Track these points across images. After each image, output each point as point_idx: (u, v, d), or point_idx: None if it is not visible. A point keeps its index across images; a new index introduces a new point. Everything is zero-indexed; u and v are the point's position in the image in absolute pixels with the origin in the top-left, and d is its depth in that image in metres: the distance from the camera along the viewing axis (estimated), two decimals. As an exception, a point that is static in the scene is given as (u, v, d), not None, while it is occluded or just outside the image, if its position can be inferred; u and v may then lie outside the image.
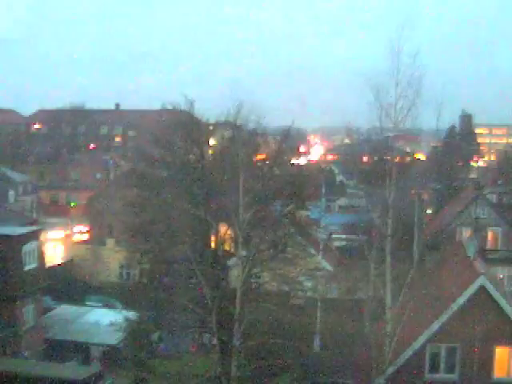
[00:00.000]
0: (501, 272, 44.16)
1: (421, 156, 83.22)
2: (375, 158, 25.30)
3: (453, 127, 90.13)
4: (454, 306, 22.37)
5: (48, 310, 40.73)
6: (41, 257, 36.89)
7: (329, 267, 43.00)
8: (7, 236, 34.41)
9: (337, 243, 52.43)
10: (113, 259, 51.20)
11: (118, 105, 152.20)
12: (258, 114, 32.17)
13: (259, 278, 32.04)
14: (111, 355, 36.12)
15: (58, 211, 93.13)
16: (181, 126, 35.69)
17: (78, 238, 67.02)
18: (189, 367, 30.21)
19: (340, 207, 78.56)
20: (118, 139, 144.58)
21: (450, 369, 22.98)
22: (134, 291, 36.14)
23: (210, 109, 35.43)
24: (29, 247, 34.94)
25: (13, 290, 33.47)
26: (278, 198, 35.58)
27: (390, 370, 21.80)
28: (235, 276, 26.20)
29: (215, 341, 26.70)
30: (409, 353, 22.51)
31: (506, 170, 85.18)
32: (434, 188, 60.60)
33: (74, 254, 56.83)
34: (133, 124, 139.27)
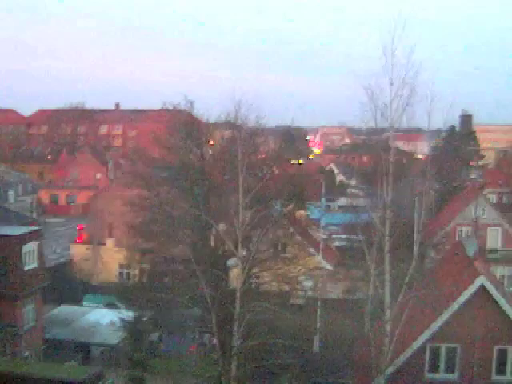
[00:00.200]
0: (501, 272, 44.17)
1: (422, 156, 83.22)
2: (374, 158, 25.31)
3: (453, 127, 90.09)
4: (454, 306, 22.35)
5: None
6: (41, 257, 36.90)
7: (329, 267, 43.03)
8: (7, 236, 34.43)
9: (337, 243, 52.44)
10: (113, 259, 51.20)
11: (117, 105, 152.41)
12: (259, 115, 32.26)
13: (259, 278, 32.08)
14: (111, 355, 36.16)
15: (57, 211, 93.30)
16: (181, 126, 35.73)
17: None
18: (189, 367, 30.25)
19: (340, 207, 78.53)
20: (117, 139, 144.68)
21: (450, 369, 22.96)
22: (133, 291, 36.12)
23: (210, 108, 35.47)
24: (29, 247, 34.95)
25: (13, 289, 33.49)
26: (278, 198, 35.63)
27: (390, 369, 21.78)
28: (235, 276, 26.20)
29: (215, 341, 26.69)
30: (409, 353, 22.49)
31: (505, 170, 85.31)
32: (434, 188, 60.59)
33: (74, 254, 56.90)
34: (133, 124, 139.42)
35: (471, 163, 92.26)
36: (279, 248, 35.95)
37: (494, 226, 51.02)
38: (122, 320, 33.72)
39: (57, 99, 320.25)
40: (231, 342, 23.66)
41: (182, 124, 35.90)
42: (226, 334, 24.68)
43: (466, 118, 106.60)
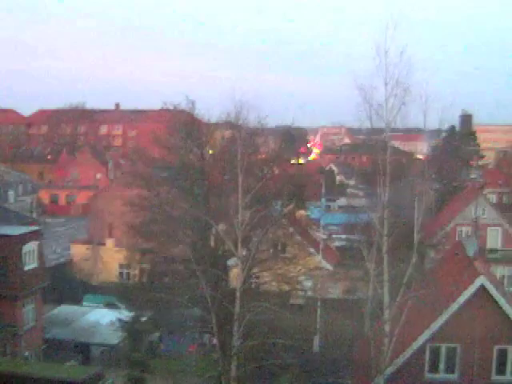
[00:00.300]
0: (501, 272, 44.17)
1: (421, 156, 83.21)
2: (373, 158, 25.32)
3: (453, 127, 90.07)
4: (454, 306, 22.35)
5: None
6: (41, 257, 36.90)
7: (329, 267, 43.02)
8: (7, 236, 34.42)
9: (337, 243, 52.45)
10: (113, 259, 51.21)
11: (117, 105, 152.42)
12: (258, 114, 32.26)
13: (259, 278, 32.10)
14: (111, 355, 36.16)
15: (57, 211, 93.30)
16: (181, 126, 35.73)
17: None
18: (189, 367, 30.24)
19: (340, 207, 78.57)
20: (117, 139, 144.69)
21: (450, 369, 22.96)
22: (133, 291, 36.12)
23: (210, 108, 35.49)
24: (29, 247, 34.95)
25: (13, 289, 33.48)
26: (278, 198, 35.64)
27: (390, 369, 21.78)
28: (235, 276, 26.20)
29: (215, 341, 26.69)
30: (409, 353, 22.49)
31: (505, 170, 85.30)
32: (433, 188, 60.61)
33: (74, 254, 56.91)
34: (133, 124, 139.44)
35: (471, 163, 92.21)
36: (279, 248, 35.98)
37: (494, 226, 51.01)
38: (122, 320, 33.73)
39: (57, 99, 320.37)
40: (231, 342, 23.66)
41: (182, 124, 35.91)
42: (226, 334, 24.69)
43: (466, 118, 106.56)
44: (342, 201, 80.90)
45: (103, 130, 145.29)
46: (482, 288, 22.42)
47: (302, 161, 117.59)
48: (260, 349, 24.70)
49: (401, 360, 22.27)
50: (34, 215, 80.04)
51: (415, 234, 21.11)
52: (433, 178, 60.06)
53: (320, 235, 47.10)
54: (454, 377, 22.98)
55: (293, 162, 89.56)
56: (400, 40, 19.06)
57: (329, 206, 76.47)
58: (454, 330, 22.32)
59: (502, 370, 22.85)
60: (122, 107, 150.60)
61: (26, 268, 34.65)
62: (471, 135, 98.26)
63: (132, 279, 47.90)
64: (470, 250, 25.18)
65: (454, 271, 25.97)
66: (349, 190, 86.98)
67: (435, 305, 22.34)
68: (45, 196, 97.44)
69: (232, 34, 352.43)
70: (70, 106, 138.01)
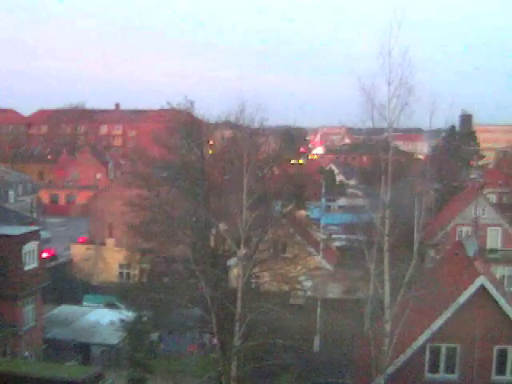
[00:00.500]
0: (501, 272, 44.17)
1: (421, 156, 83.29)
2: (373, 158, 25.33)
3: (453, 127, 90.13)
4: (454, 306, 22.36)
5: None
6: (41, 257, 36.90)
7: (329, 267, 43.02)
8: (7, 236, 34.43)
9: (337, 243, 52.46)
10: (113, 259, 51.23)
11: (117, 105, 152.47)
12: (260, 115, 32.23)
13: (259, 277, 32.10)
14: (111, 355, 36.17)
15: (57, 211, 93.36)
16: (181, 126, 35.71)
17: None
18: (189, 367, 30.26)
19: (340, 207, 78.61)
20: (117, 139, 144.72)
21: (450, 369, 22.96)
22: (133, 291, 36.12)
23: (210, 108, 35.48)
24: (29, 247, 34.95)
25: (13, 289, 33.49)
26: (278, 198, 35.64)
27: (390, 369, 21.78)
28: (235, 276, 26.20)
29: (215, 341, 26.70)
30: (409, 353, 22.49)
31: (505, 170, 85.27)
32: (434, 188, 60.60)
33: (74, 254, 56.95)
34: (133, 124, 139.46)
35: (471, 163, 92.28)
36: (279, 248, 35.95)
37: (494, 226, 51.01)
38: (122, 320, 33.72)
39: (57, 99, 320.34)
40: (231, 342, 23.66)
41: (182, 124, 35.88)
42: (226, 334, 24.70)
43: (466, 118, 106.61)
44: (342, 201, 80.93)
45: (103, 130, 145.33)
46: (482, 288, 22.42)
47: (301, 161, 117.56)
48: (260, 349, 24.69)
49: (401, 360, 22.27)
50: (34, 215, 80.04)
51: (415, 234, 21.11)
52: (433, 177, 60.04)
53: (320, 235, 47.12)
54: (454, 377, 22.99)
55: (293, 162, 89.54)
56: (403, 40, 19.07)
57: (329, 206, 76.49)
58: (454, 330, 22.32)
59: (502, 370, 22.86)
60: (122, 107, 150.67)
61: (26, 268, 34.66)
62: (471, 135, 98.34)
63: (132, 279, 47.92)
64: (470, 250, 25.19)
65: (454, 271, 25.96)
66: (349, 190, 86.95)
67: (435, 305, 22.35)
68: (45, 196, 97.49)
69: (232, 34, 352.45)
70: (69, 106, 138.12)
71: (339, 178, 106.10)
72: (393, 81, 19.76)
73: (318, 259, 42.04)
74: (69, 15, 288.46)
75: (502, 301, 22.50)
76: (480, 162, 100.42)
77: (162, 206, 33.01)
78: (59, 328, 38.64)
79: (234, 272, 27.38)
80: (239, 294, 23.34)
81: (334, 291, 39.40)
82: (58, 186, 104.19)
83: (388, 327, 21.11)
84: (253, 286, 30.15)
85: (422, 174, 25.57)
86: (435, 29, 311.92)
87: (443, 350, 22.84)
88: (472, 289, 22.46)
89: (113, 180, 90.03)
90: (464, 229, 48.67)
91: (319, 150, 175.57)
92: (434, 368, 22.95)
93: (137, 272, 43.67)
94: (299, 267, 33.43)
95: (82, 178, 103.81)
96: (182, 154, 35.85)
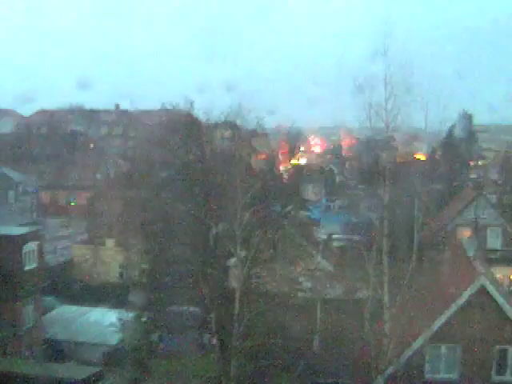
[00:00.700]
0: (501, 272, 44.15)
1: (421, 156, 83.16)
2: (373, 158, 25.36)
3: (453, 127, 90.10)
4: (454, 306, 22.36)
5: (51, 310, 40.79)
6: (41, 257, 36.90)
7: (329, 267, 42.97)
8: (7, 236, 34.44)
9: (337, 243, 52.40)
10: (113, 259, 51.19)
11: (117, 105, 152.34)
12: (257, 114, 32.24)
13: (259, 278, 32.08)
14: (111, 355, 36.14)
15: (57, 211, 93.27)
16: (181, 126, 35.71)
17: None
18: (189, 367, 30.24)
19: (340, 207, 78.58)
20: (117, 139, 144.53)
21: (450, 369, 22.98)
22: (133, 291, 36.12)
23: (210, 108, 35.44)
24: (29, 247, 34.96)
25: (13, 289, 33.49)
26: (278, 198, 35.64)
27: (390, 369, 21.80)
28: (235, 276, 26.21)
29: (215, 341, 26.70)
30: (409, 353, 22.50)
31: (505, 170, 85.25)
32: (433, 188, 60.57)
33: (74, 254, 56.90)
34: (133, 124, 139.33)
35: (471, 163, 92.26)
36: (279, 248, 35.93)
37: (494, 226, 51.04)
38: (122, 320, 33.71)
39: (57, 99, 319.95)
40: (231, 342, 23.67)
41: (181, 124, 35.89)
42: (226, 334, 24.70)
43: (466, 118, 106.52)
44: (342, 201, 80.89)
45: (103, 130, 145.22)
46: (482, 288, 22.43)
47: (301, 161, 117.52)
48: (260, 349, 24.70)
49: (401, 360, 22.28)
50: (34, 215, 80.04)
51: (415, 234, 21.12)
52: (433, 177, 60.04)
53: (320, 235, 47.08)
54: (453, 377, 23.00)
55: (293, 162, 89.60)
56: (400, 39, 19.10)
57: (329, 206, 76.49)
58: (454, 330, 22.33)
59: (502, 370, 22.87)
60: (122, 107, 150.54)
61: (26, 268, 34.67)
62: (471, 135, 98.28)
63: (132, 279, 47.88)
64: (470, 250, 25.20)
65: (454, 271, 25.98)
66: (349, 190, 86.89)
67: (435, 305, 22.36)
68: (45, 196, 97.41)
69: (232, 34, 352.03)
70: (70, 106, 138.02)
71: (339, 178, 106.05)
72: (390, 81, 19.80)
73: (318, 259, 41.98)
74: (69, 15, 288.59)
75: (501, 301, 22.51)
76: (480, 162, 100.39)
77: (162, 206, 33.00)
78: (59, 328, 38.62)
79: (235, 272, 27.38)
80: (238, 294, 23.35)
81: (334, 291, 39.36)
82: (58, 186, 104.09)
83: (388, 327, 21.13)
84: (253, 286, 30.13)
85: (421, 174, 25.59)
86: (435, 28, 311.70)
87: (443, 350, 22.85)
88: (472, 289, 22.47)
89: (113, 180, 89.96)
90: (464, 229, 48.69)
91: (319, 150, 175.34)
92: (434, 368, 22.97)
93: (137, 272, 43.69)
94: (299, 267, 33.42)
95: (82, 178, 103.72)
96: (181, 154, 35.85)
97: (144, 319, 33.15)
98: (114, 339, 35.71)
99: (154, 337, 37.05)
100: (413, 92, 19.77)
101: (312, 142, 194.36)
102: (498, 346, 22.62)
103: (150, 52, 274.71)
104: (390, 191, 21.01)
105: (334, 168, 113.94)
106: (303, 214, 52.31)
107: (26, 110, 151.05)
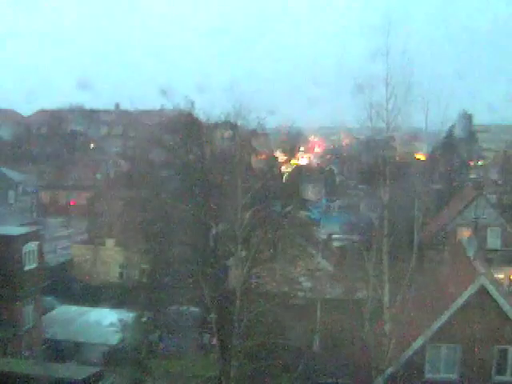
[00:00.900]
0: (501, 272, 44.16)
1: (421, 156, 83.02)
2: (373, 158, 25.37)
3: (453, 127, 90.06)
4: (454, 306, 22.37)
5: (51, 310, 40.84)
6: (41, 257, 36.91)
7: (329, 267, 42.96)
8: (7, 236, 34.45)
9: (337, 243, 52.39)
10: (113, 259, 51.17)
11: (117, 105, 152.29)
12: (258, 114, 32.19)
13: (259, 277, 32.08)
14: (111, 355, 36.14)
15: (58, 211, 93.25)
16: (181, 126, 35.71)
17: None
18: (189, 367, 30.25)
19: (340, 207, 78.60)
20: (117, 139, 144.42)
21: (450, 369, 22.98)
22: (133, 291, 36.11)
23: (210, 108, 35.45)
24: (29, 247, 34.96)
25: (13, 289, 33.49)
26: (278, 198, 35.63)
27: (390, 370, 21.81)
28: (235, 276, 26.22)
29: (215, 341, 26.70)
30: (409, 353, 22.51)
31: (505, 170, 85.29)
32: (433, 188, 60.59)
33: (74, 254, 56.89)
34: (133, 124, 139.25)
35: (471, 163, 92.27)
36: (279, 248, 35.93)
37: (494, 226, 51.04)
38: (122, 320, 33.71)
39: (57, 99, 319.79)
40: (231, 342, 23.67)
41: (182, 124, 35.89)
42: (226, 334, 24.70)
43: (466, 118, 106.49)
44: (342, 201, 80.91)
45: (103, 130, 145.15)
46: (482, 288, 22.44)
47: (301, 161, 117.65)
48: (260, 349, 24.70)
49: (401, 360, 22.29)
50: (34, 215, 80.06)
51: (415, 234, 21.14)
52: (433, 178, 60.07)
53: (320, 235, 47.07)
54: (454, 377, 23.01)
55: (293, 162, 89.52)
56: (401, 39, 19.12)
57: (329, 206, 76.51)
58: (454, 330, 22.34)
59: (502, 370, 22.88)
60: (122, 107, 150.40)
61: (26, 268, 34.67)
62: (471, 135, 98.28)
63: (132, 279, 47.89)
64: (470, 250, 25.20)
65: (454, 271, 25.99)
66: (349, 190, 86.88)
67: (435, 305, 22.37)
68: (45, 196, 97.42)
69: (232, 35, 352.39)
70: (70, 106, 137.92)
71: (339, 178, 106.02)
72: (390, 81, 19.82)
73: (318, 259, 41.98)
74: (69, 15, 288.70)
75: (502, 301, 22.52)
76: (480, 162, 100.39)
77: (162, 206, 33.00)
78: (59, 328, 38.61)
79: (235, 272, 27.39)
80: (238, 294, 23.37)
81: (334, 291, 39.35)
82: (58, 186, 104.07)
83: (388, 327, 21.14)
84: (253, 286, 30.13)
85: (421, 174, 25.61)
86: (435, 28, 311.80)
87: (443, 350, 22.86)
88: (472, 289, 22.48)
89: (113, 180, 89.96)
90: (464, 229, 48.69)
91: (319, 150, 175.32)
92: (434, 368, 22.97)
93: (137, 272, 43.70)
94: (299, 267, 33.41)
95: (82, 178, 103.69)
96: (181, 154, 35.85)
97: (144, 319, 33.16)
98: (114, 339, 35.70)
99: (154, 337, 37.06)
100: (413, 92, 19.80)
101: (312, 142, 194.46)
102: (497, 346, 22.62)
103: (149, 52, 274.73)
104: (390, 191, 21.03)
105: (334, 168, 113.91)
106: (303, 213, 52.27)
107: (26, 110, 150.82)
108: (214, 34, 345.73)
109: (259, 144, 36.09)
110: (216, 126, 38.29)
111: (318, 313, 35.90)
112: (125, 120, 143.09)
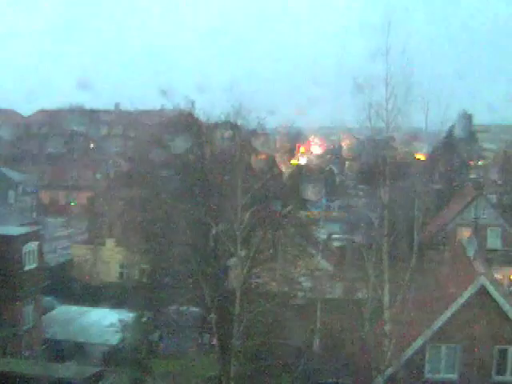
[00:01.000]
0: (501, 272, 44.15)
1: (421, 156, 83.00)
2: (373, 158, 25.37)
3: (453, 127, 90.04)
4: (454, 306, 22.38)
5: (51, 310, 40.84)
6: (41, 257, 36.91)
7: (329, 267, 42.94)
8: (7, 236, 34.44)
9: (337, 243, 52.38)
10: (113, 259, 51.18)
11: (118, 105, 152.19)
12: (258, 114, 32.19)
13: (259, 278, 32.07)
14: (111, 355, 36.14)
15: (58, 211, 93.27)
16: (181, 126, 35.71)
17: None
18: (189, 367, 30.24)
19: (340, 207, 78.59)
20: (117, 139, 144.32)
21: (450, 369, 22.99)
22: (133, 291, 36.11)
23: (210, 108, 35.46)
24: (29, 247, 34.96)
25: (13, 289, 33.49)
26: (278, 198, 35.62)
27: (390, 370, 21.80)
28: (235, 276, 26.22)
29: (215, 341, 26.69)
30: (409, 353, 22.52)
31: (505, 170, 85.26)
32: (433, 188, 60.57)
33: (74, 254, 56.89)
34: (133, 124, 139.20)
35: (471, 163, 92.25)
36: (279, 248, 35.92)
37: (494, 226, 51.03)
38: (122, 320, 33.71)
39: (57, 99, 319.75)
40: (231, 342, 23.67)
41: (182, 124, 35.89)
42: (226, 334, 24.69)
43: (466, 118, 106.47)
44: (342, 201, 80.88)
45: (103, 130, 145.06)
46: (482, 288, 22.45)
47: (301, 161, 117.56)
48: (260, 349, 24.70)
49: (401, 360, 22.29)
50: (35, 215, 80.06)
51: (415, 234, 21.14)
52: (433, 178, 60.07)
53: (320, 235, 47.05)
54: (454, 377, 23.01)
55: (293, 162, 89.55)
56: (401, 39, 19.11)
57: (329, 206, 76.50)
58: (454, 330, 22.35)
59: (502, 370, 22.88)
60: (122, 107, 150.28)
61: (26, 268, 34.67)
62: (471, 135, 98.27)
63: (132, 279, 47.88)
64: (470, 250, 25.21)
65: (454, 271, 26.00)
66: (349, 190, 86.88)
67: (435, 305, 22.37)
68: (45, 196, 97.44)
69: (232, 35, 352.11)
70: (70, 106, 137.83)
71: (339, 178, 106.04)
72: (390, 81, 19.82)
73: (318, 259, 41.96)
74: (69, 15, 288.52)
75: (502, 301, 22.52)
76: (480, 162, 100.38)
77: (162, 206, 33.00)
78: (59, 328, 38.61)
79: (235, 272, 27.39)
80: (238, 294, 23.37)
81: (334, 291, 39.34)
82: (58, 186, 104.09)
83: (388, 327, 21.14)
84: (253, 286, 30.13)
85: (421, 174, 25.61)
86: (435, 28, 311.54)
87: (443, 350, 22.86)
88: (472, 289, 22.49)
89: (113, 180, 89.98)
90: (464, 229, 48.68)
91: (318, 151, 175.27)
92: (434, 368, 22.98)
93: (137, 272, 43.69)
94: (299, 267, 33.40)
95: (82, 178, 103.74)
96: (181, 154, 35.85)
97: (144, 319, 33.16)
98: (114, 339, 35.70)
99: (154, 337, 37.07)
100: (413, 92, 19.80)
101: (312, 142, 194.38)
102: (497, 346, 22.63)
103: (150, 52, 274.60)
104: (390, 191, 21.03)
105: (334, 168, 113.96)
106: (303, 213, 52.26)
107: (26, 110, 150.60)
108: (214, 33, 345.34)
109: (259, 144, 36.04)
110: (216, 125, 38.28)
111: (318, 313, 35.90)
112: (125, 120, 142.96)
